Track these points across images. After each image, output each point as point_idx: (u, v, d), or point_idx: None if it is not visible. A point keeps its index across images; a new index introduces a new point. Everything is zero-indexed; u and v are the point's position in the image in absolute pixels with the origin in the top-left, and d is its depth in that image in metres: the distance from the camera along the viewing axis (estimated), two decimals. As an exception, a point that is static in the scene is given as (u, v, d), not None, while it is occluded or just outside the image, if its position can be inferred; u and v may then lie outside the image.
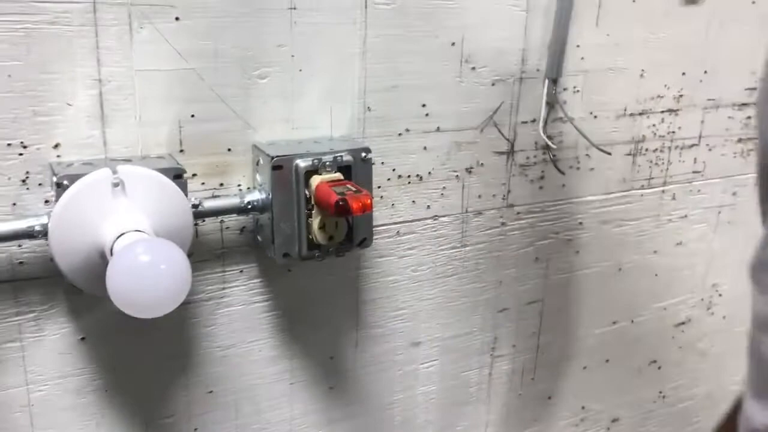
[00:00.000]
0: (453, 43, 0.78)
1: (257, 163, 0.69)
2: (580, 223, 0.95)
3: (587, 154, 0.92)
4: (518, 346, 0.96)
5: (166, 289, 0.52)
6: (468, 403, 0.95)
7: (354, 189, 0.65)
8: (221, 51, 0.66)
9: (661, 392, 1.14)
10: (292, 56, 0.70)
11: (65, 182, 0.58)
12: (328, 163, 0.68)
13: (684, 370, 1.15)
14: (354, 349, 0.84)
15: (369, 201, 0.63)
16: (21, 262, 0.64)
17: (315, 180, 0.67)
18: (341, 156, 0.68)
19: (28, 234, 0.60)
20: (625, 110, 0.93)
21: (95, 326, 0.69)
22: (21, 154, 0.62)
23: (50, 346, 0.67)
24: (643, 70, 0.92)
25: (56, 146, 0.62)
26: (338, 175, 0.68)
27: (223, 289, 0.74)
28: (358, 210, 0.63)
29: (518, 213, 0.90)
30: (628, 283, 1.03)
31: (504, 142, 0.85)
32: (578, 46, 0.86)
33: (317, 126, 0.73)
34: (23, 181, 0.62)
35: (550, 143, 0.86)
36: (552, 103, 0.85)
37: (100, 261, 0.58)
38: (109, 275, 0.52)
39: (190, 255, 0.57)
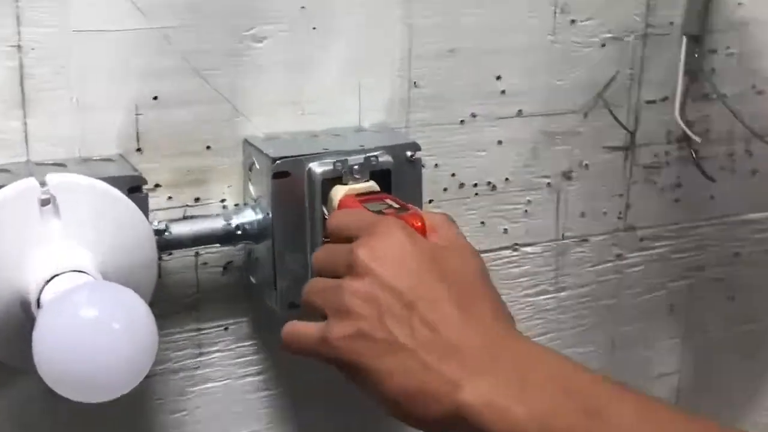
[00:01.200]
0: (542, -15, 0.78)
1: (250, 168, 0.70)
2: (737, 255, 0.95)
3: (747, 150, 0.91)
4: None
5: (120, 360, 0.52)
6: None
7: (396, 205, 0.65)
8: (198, 1, 0.67)
9: None
10: (303, 7, 0.70)
11: (-30, 199, 0.59)
12: (356, 167, 0.68)
13: None
14: (391, 444, 0.84)
15: (419, 224, 0.63)
16: None
17: (338, 192, 0.68)
18: (376, 156, 0.69)
19: None
20: (805, 82, 0.92)
21: (12, 413, 0.69)
22: None
23: (-55, 441, 0.69)
24: (832, 21, 0.91)
25: (-44, 145, 0.64)
26: (371, 185, 0.69)
27: (199, 355, 0.75)
28: (404, 238, 0.63)
29: (642, 239, 0.90)
30: (810, 346, 1.02)
31: (620, 133, 0.85)
32: (733, -15, 0.86)
33: (339, 111, 0.74)
34: None
35: (690, 134, 0.86)
36: (694, 73, 0.85)
37: (22, 316, 0.59)
38: (37, 338, 0.52)
39: (151, 305, 0.57)
